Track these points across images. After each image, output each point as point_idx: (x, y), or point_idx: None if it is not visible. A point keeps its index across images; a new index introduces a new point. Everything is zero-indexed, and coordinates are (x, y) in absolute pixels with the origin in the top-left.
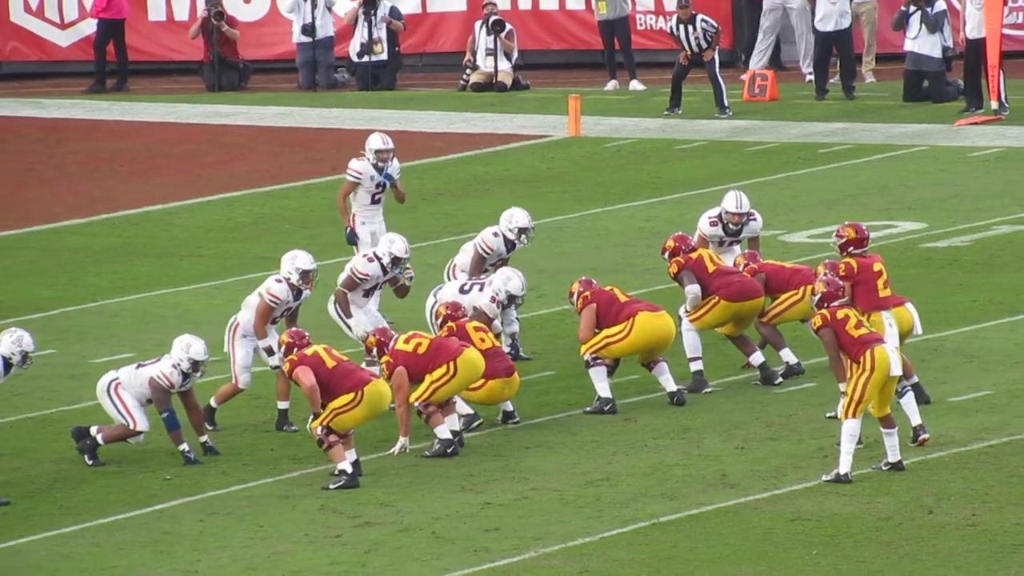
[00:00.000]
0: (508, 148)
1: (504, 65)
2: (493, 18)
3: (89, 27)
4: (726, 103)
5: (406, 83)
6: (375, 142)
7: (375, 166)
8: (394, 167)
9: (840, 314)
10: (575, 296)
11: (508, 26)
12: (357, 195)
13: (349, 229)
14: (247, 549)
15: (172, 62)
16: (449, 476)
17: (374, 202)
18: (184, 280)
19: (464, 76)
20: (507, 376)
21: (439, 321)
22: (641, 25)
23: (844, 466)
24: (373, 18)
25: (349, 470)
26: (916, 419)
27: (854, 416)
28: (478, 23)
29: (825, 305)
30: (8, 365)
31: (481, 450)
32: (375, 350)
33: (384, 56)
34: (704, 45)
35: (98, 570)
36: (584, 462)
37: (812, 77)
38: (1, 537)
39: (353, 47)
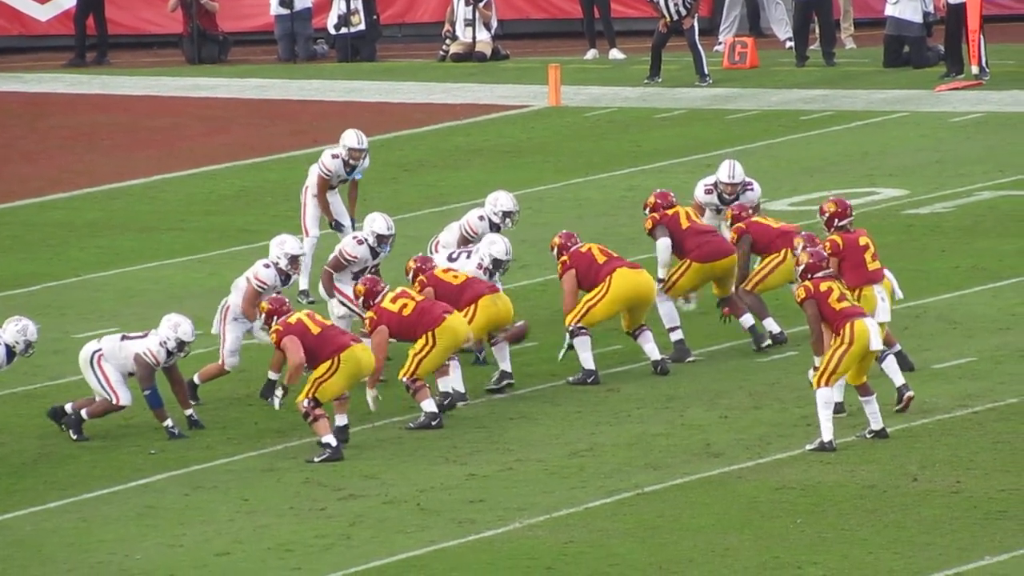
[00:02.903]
0: (489, 118)
1: (483, 35)
2: None
3: (69, 1)
4: (706, 71)
5: (385, 54)
6: (350, 140)
7: (346, 163)
8: (363, 166)
9: (823, 286)
10: (555, 251)
11: None
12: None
13: (334, 222)
14: (232, 523)
15: (152, 35)
16: (433, 448)
17: (330, 188)
18: (167, 254)
19: (443, 47)
20: (492, 292)
21: (410, 276)
22: None
23: (826, 434)
24: None
25: (333, 443)
26: (899, 380)
27: (827, 385)
28: None
29: (809, 276)
30: (11, 353)
31: (465, 421)
32: (361, 300)
33: (362, 27)
34: (684, 12)
35: (84, 544)
36: (568, 433)
37: (792, 44)
38: None
39: (331, 19)
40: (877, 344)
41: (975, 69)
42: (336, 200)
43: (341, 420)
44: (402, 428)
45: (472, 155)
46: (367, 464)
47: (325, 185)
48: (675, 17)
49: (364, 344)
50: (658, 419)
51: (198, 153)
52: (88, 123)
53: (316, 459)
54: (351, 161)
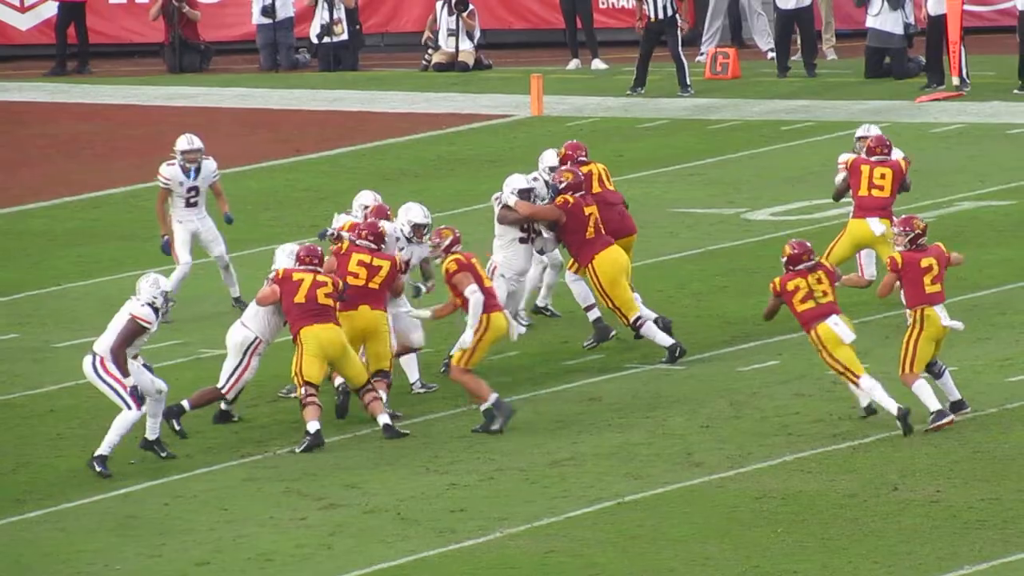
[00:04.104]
0: (471, 128)
1: (466, 45)
2: None
3: (50, 10)
4: (688, 81)
5: (368, 63)
6: (180, 143)
7: (183, 168)
8: (208, 168)
9: (791, 285)
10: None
11: (470, 5)
12: (173, 200)
13: (164, 239)
14: (212, 532)
15: (134, 44)
16: (414, 457)
17: (189, 205)
18: (148, 263)
19: (426, 56)
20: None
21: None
22: (603, 4)
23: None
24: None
25: (312, 430)
26: (954, 394)
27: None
28: (439, 2)
29: (791, 267)
30: (155, 310)
31: (446, 431)
32: (447, 242)
33: (345, 37)
34: (669, 12)
35: (63, 554)
36: (549, 442)
37: (773, 55)
38: None
39: (313, 28)
40: (847, 337)
41: (956, 80)
42: (208, 226)
43: (383, 419)
44: (384, 437)
45: (455, 164)
46: (348, 473)
47: (165, 195)
48: (660, 16)
49: (325, 326)
50: (639, 428)
51: None
52: (69, 132)
53: (297, 449)
54: (187, 164)
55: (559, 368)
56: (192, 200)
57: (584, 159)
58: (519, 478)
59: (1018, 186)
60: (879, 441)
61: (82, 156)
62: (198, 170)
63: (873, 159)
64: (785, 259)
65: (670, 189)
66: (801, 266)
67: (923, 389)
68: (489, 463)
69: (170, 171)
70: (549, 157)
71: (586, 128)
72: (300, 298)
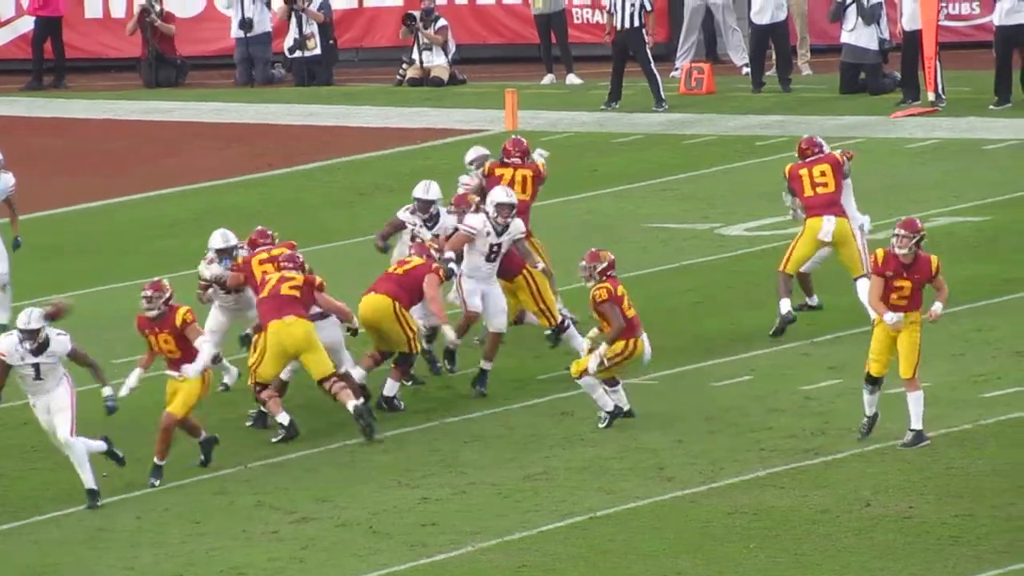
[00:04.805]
0: (445, 143)
1: (440, 60)
2: (422, 9)
3: (26, 25)
4: (663, 96)
5: (343, 78)
6: None
7: None
8: (7, 180)
9: (620, 290)
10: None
11: (441, 20)
12: None
13: None
14: (184, 545)
15: (110, 59)
16: (386, 471)
17: None
18: (119, 277)
19: (400, 71)
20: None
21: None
22: (578, 19)
23: (605, 406)
24: (302, 14)
25: (286, 422)
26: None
27: (589, 376)
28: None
29: (607, 275)
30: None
31: (419, 444)
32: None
33: (318, 51)
34: (636, 23)
35: (37, 567)
36: (521, 456)
37: (748, 70)
38: None
39: (286, 43)
40: (647, 358)
41: (931, 96)
42: None
43: (351, 405)
44: (358, 447)
45: (428, 179)
46: (320, 487)
47: None
48: (627, 25)
49: (289, 319)
50: (612, 443)
51: (153, 176)
52: (43, 146)
53: (273, 440)
54: None
55: (532, 382)
56: None
57: (517, 161)
58: (491, 492)
59: (993, 202)
60: (852, 457)
61: (56, 170)
62: None
63: (808, 160)
64: (604, 265)
65: (644, 204)
66: (613, 273)
67: (914, 404)
68: (461, 477)
69: None
70: (472, 152)
71: (560, 142)
72: (265, 292)
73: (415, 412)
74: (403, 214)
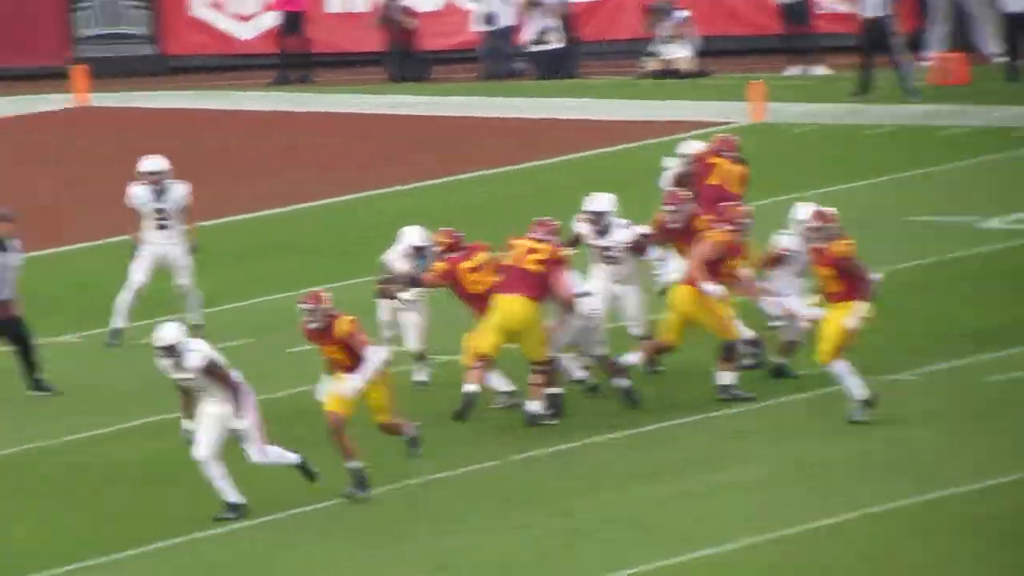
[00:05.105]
0: (690, 136)
1: (684, 52)
2: (659, 4)
3: (269, 20)
4: (913, 87)
5: (585, 70)
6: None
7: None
8: (176, 191)
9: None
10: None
11: (685, 13)
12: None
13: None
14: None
15: (353, 53)
16: (639, 464)
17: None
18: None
19: (640, 64)
20: None
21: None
22: (824, 9)
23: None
24: (540, 7)
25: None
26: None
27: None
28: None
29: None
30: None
31: (674, 441)
32: None
33: (560, 44)
34: (885, 11)
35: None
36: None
37: (1003, 59)
38: None
39: (527, 36)
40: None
41: None
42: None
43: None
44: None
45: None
46: (577, 481)
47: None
48: (875, 14)
49: (514, 297)
50: (876, 437)
51: (405, 172)
52: (300, 142)
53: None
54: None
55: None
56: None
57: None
58: (754, 487)
59: None
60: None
61: (312, 165)
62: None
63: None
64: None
65: (899, 197)
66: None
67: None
68: (722, 473)
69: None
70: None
71: (808, 134)
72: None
73: (674, 407)
74: (578, 225)
